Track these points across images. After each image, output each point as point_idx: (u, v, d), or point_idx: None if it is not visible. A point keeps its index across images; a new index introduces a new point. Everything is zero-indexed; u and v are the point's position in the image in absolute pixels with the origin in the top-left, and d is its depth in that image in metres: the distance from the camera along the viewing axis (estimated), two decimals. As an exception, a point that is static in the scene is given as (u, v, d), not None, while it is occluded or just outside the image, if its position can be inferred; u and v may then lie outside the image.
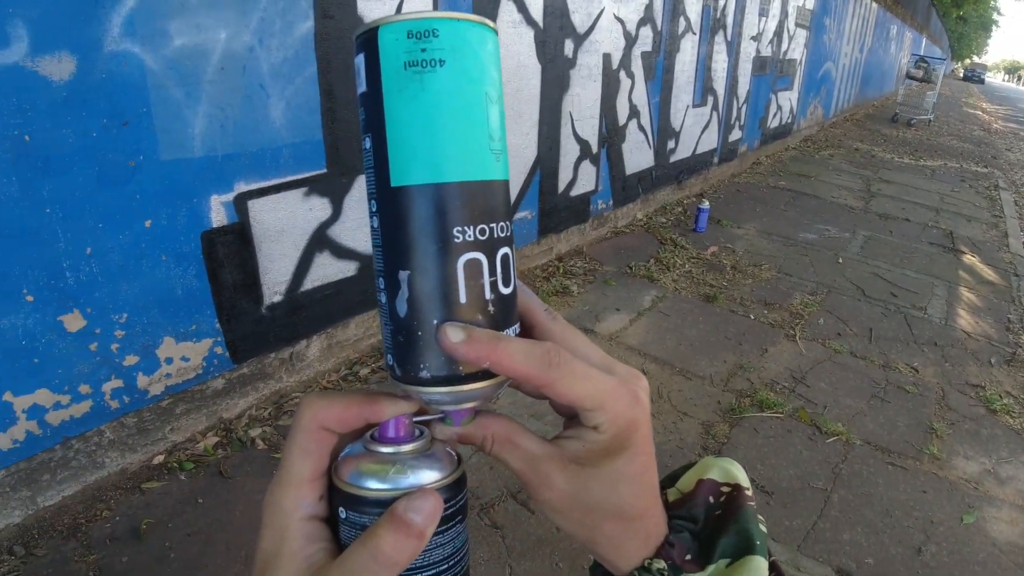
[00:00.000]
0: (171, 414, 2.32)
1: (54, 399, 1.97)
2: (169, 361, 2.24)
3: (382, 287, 0.36)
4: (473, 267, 0.35)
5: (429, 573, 0.37)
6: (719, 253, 4.99)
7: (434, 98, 0.33)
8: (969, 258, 5.66)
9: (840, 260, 5.15)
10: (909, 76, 15.18)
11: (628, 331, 3.61)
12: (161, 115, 2.00)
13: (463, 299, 0.35)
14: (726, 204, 6.38)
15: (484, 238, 0.35)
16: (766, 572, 0.41)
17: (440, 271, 0.34)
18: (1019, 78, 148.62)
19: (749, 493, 0.46)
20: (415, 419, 0.39)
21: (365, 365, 2.97)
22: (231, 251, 2.31)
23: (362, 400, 0.37)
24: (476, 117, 0.34)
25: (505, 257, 0.36)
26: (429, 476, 0.37)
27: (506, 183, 0.37)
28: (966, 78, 60.24)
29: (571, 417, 0.41)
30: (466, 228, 0.34)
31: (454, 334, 0.34)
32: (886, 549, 2.27)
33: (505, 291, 0.36)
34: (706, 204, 5.44)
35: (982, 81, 61.13)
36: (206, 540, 2.03)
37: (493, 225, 0.35)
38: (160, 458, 2.30)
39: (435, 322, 0.34)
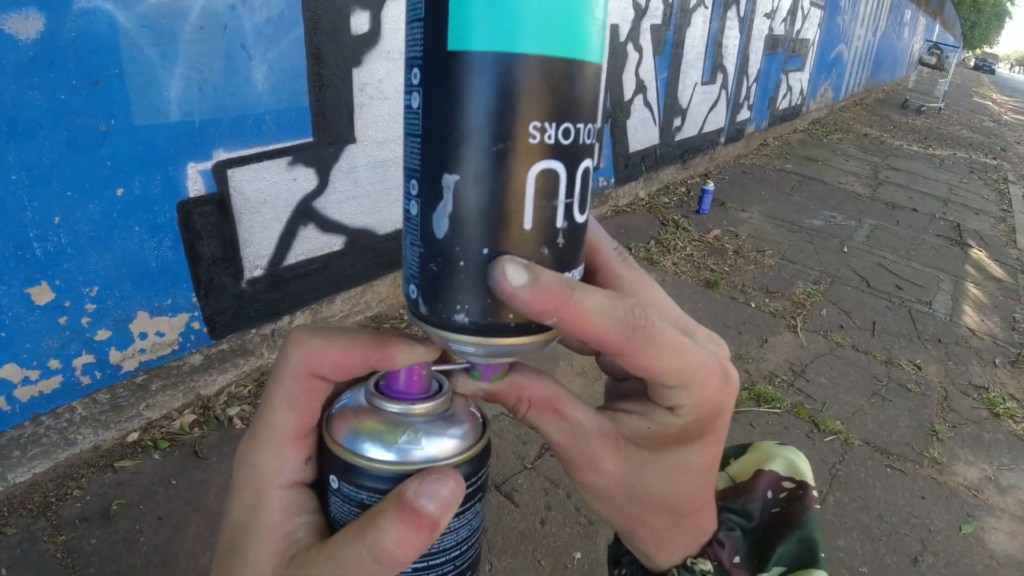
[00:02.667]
0: (146, 390, 2.24)
1: (22, 374, 1.89)
2: (143, 336, 2.16)
3: (414, 193, 0.27)
4: (548, 181, 0.26)
5: (437, 561, 0.30)
6: (722, 237, 4.89)
7: None
8: (976, 252, 5.57)
9: (845, 249, 5.05)
10: (922, 62, 15.07)
11: (625, 316, 3.51)
12: (134, 77, 1.88)
13: (528, 224, 0.26)
14: (731, 186, 6.26)
15: (567, 142, 0.26)
16: None
17: (503, 181, 0.26)
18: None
19: (816, 494, 0.40)
20: (434, 368, 0.31)
21: (351, 344, 2.89)
22: (209, 222, 2.21)
23: (369, 342, 0.29)
24: None
25: (586, 173, 0.28)
26: (448, 447, 0.30)
27: (601, 69, 0.28)
28: (977, 67, 60.39)
29: (617, 381, 0.35)
30: (547, 125, 0.26)
31: (516, 275, 0.26)
32: (882, 558, 2.20)
33: (580, 219, 0.28)
34: (710, 185, 5.33)
35: (993, 71, 61.35)
36: (177, 524, 1.97)
37: (580, 126, 0.27)
38: (135, 435, 2.23)
39: (485, 251, 0.26)
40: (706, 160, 6.60)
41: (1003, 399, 3.29)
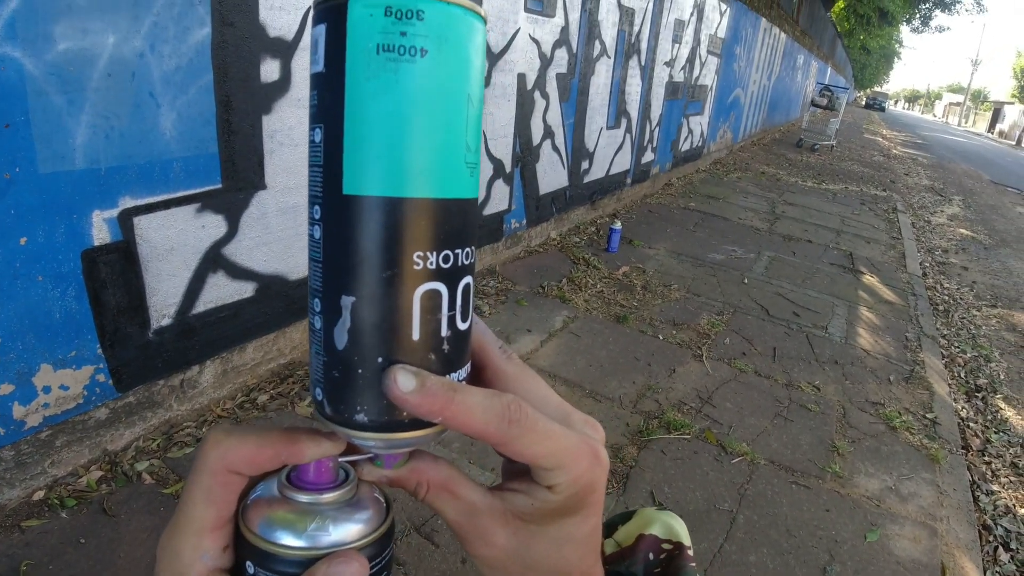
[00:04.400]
0: (51, 447, 2.15)
1: (-83, 431, 1.79)
2: (47, 390, 2.08)
3: (318, 310, 0.31)
4: (431, 299, 0.30)
5: None
6: (630, 273, 5.06)
7: (409, 94, 0.28)
8: (868, 278, 5.93)
9: (746, 280, 5.31)
10: (814, 104, 15.98)
11: (539, 352, 3.59)
12: (40, 124, 1.86)
13: (416, 336, 0.30)
14: (638, 224, 6.50)
15: (447, 266, 0.30)
16: None
17: (392, 302, 0.29)
18: (918, 106, 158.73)
19: (691, 553, 0.44)
20: (340, 459, 0.34)
21: (264, 391, 2.84)
22: (114, 271, 2.17)
23: (279, 439, 0.32)
24: (454, 122, 0.29)
25: (467, 288, 0.32)
26: (354, 532, 0.32)
27: (475, 202, 0.32)
28: (868, 106, 63.05)
29: (510, 461, 0.38)
30: (428, 254, 0.30)
31: (405, 382, 0.29)
32: (792, 570, 2.31)
33: (462, 327, 0.32)
34: (618, 224, 5.53)
35: (883, 109, 64.15)
36: (85, 584, 1.89)
37: (459, 251, 0.31)
38: (40, 494, 2.13)
39: (380, 360, 0.30)
40: (614, 200, 6.84)
41: (899, 413, 3.51)
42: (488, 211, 4.45)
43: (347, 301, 0.30)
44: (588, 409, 3.12)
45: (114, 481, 2.25)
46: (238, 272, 2.63)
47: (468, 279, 0.32)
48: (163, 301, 2.35)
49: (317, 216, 0.30)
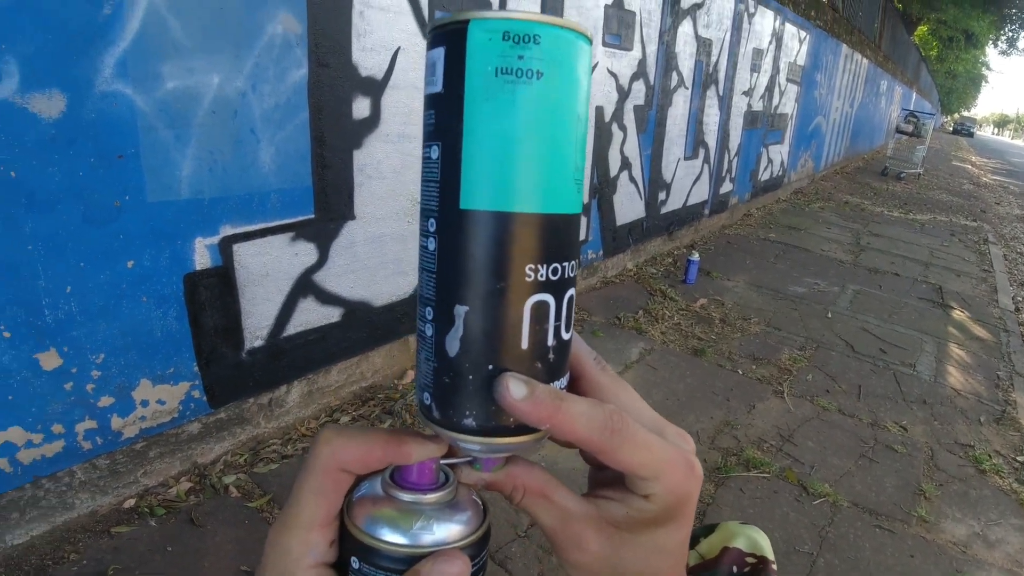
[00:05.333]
0: (144, 457, 2.27)
1: (26, 437, 1.92)
2: (145, 404, 2.20)
3: (430, 318, 0.32)
4: (541, 310, 0.32)
5: None
6: (708, 305, 4.98)
7: (525, 115, 0.30)
8: (958, 313, 5.67)
9: (829, 315, 5.15)
10: (899, 130, 15.41)
11: (615, 382, 3.55)
12: (149, 156, 2.00)
13: (525, 345, 0.32)
14: (716, 256, 6.40)
15: (555, 278, 0.32)
16: None
17: (505, 312, 0.31)
18: (1008, 131, 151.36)
19: (775, 567, 0.45)
20: (442, 461, 0.36)
21: (346, 412, 2.93)
22: (213, 294, 2.29)
23: (387, 440, 0.34)
24: (565, 141, 0.31)
25: (571, 300, 0.34)
26: (455, 532, 0.34)
27: (580, 217, 0.34)
28: (956, 131, 60.58)
29: (597, 470, 0.39)
30: (539, 267, 0.31)
31: (516, 389, 0.31)
32: (872, 618, 2.22)
33: (566, 337, 0.34)
34: (696, 256, 5.46)
35: (971, 135, 61.48)
36: (173, 592, 1.97)
37: (565, 264, 0.33)
38: (131, 502, 2.25)
39: (490, 367, 0.32)
40: (691, 231, 6.76)
41: (988, 456, 3.33)
42: (565, 241, 4.46)
43: (460, 310, 0.31)
44: (663, 442, 3.08)
45: (202, 493, 2.35)
46: (326, 298, 2.73)
47: (572, 291, 0.33)
48: (256, 323, 2.47)
49: (432, 229, 0.32)
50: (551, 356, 0.33)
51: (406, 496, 0.34)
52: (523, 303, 0.31)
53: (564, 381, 0.35)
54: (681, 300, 5.00)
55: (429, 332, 0.33)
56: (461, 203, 0.30)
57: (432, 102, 0.31)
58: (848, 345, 4.58)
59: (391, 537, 0.33)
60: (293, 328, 2.62)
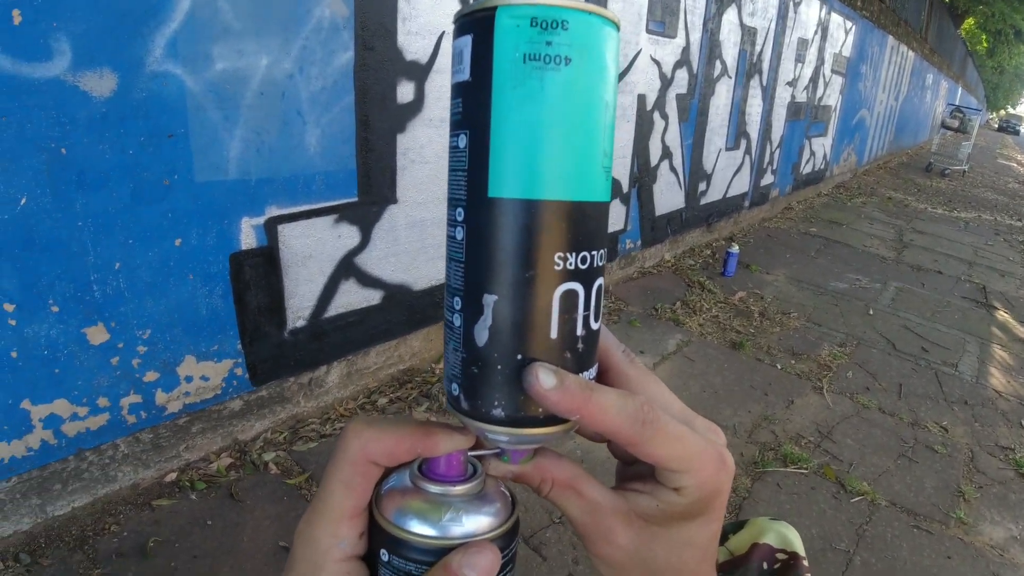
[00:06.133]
0: (187, 432, 2.31)
1: (72, 410, 1.97)
2: (189, 379, 2.24)
3: (458, 307, 0.32)
4: (570, 299, 0.31)
5: None
6: (747, 299, 4.92)
7: (553, 101, 0.29)
8: (1002, 314, 5.53)
9: (871, 311, 5.05)
10: (944, 126, 15.08)
11: (651, 374, 3.53)
12: (198, 136, 2.02)
13: (554, 334, 0.31)
14: (756, 249, 6.32)
15: (584, 267, 0.31)
16: None
17: (533, 301, 0.31)
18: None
19: (806, 563, 0.44)
20: (470, 453, 0.36)
21: (383, 394, 2.95)
22: (258, 274, 2.32)
23: (415, 432, 0.34)
24: (593, 128, 0.31)
25: (599, 289, 0.33)
26: (484, 524, 0.34)
27: (608, 205, 0.33)
28: (1001, 129, 59.27)
29: (626, 464, 0.39)
30: (568, 255, 0.31)
31: (546, 379, 0.30)
32: (910, 619, 2.18)
33: (595, 326, 0.33)
34: (735, 248, 5.39)
35: (1017, 132, 59.98)
36: (212, 564, 2.00)
37: (595, 253, 0.32)
38: (173, 476, 2.29)
39: (519, 357, 0.31)
40: (731, 223, 6.68)
41: (1030, 461, 3.25)
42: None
43: (489, 299, 0.31)
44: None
45: (242, 468, 2.39)
46: (367, 280, 2.75)
47: (601, 280, 0.33)
48: (299, 304, 2.49)
49: (460, 218, 0.31)
50: (580, 346, 0.32)
51: (434, 488, 0.34)
52: (552, 292, 0.31)
53: (593, 372, 0.34)
54: (719, 292, 4.94)
55: (457, 322, 0.32)
56: (490, 191, 0.30)
57: (459, 91, 0.31)
58: (889, 343, 4.49)
59: (420, 529, 0.33)
60: (334, 309, 2.64)
